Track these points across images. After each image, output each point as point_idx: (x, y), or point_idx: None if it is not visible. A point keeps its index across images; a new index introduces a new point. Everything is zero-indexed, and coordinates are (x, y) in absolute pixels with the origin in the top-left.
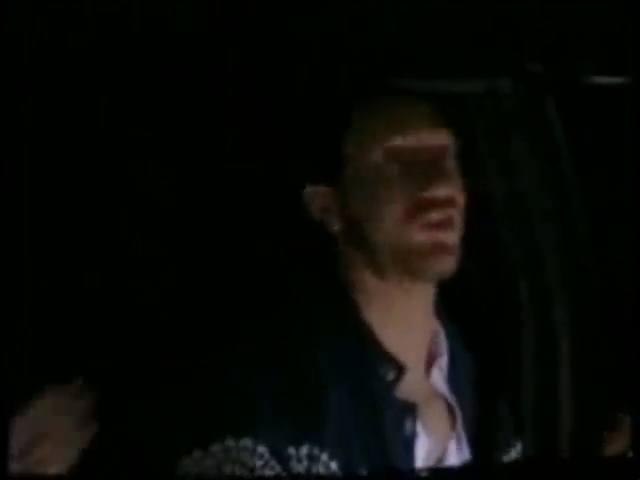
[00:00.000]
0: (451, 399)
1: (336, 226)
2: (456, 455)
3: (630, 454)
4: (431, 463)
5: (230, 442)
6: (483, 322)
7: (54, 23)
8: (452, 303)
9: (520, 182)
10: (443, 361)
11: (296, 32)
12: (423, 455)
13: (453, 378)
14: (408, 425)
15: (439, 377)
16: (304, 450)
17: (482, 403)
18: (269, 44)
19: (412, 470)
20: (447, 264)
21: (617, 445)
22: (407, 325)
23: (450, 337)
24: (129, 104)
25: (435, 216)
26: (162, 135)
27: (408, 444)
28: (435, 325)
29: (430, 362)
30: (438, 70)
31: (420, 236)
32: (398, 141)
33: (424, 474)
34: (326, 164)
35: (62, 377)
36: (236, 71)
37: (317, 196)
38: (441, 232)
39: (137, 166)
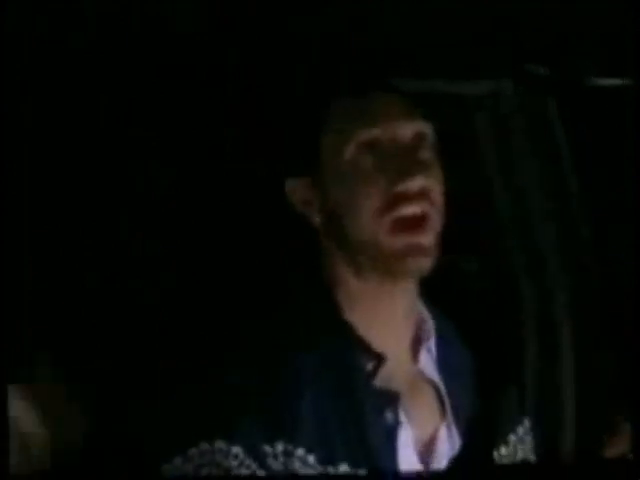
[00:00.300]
0: (441, 384)
1: (317, 218)
2: (447, 442)
3: (630, 457)
4: (418, 451)
5: (205, 445)
6: (485, 322)
7: (54, 23)
8: (454, 303)
9: (521, 182)
10: (431, 343)
11: (296, 32)
12: (408, 443)
13: (443, 361)
14: (389, 414)
15: (428, 360)
16: (280, 447)
17: (481, 390)
18: (269, 44)
19: (395, 463)
20: (423, 264)
21: (617, 449)
22: (389, 320)
23: (437, 319)
24: (129, 104)
25: (409, 210)
26: (162, 135)
27: (390, 433)
28: (420, 311)
29: (417, 347)
30: (439, 71)
31: (393, 239)
32: (370, 133)
33: (413, 476)
34: (304, 156)
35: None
36: (236, 71)
37: (298, 188)
38: (415, 233)
39: (137, 166)
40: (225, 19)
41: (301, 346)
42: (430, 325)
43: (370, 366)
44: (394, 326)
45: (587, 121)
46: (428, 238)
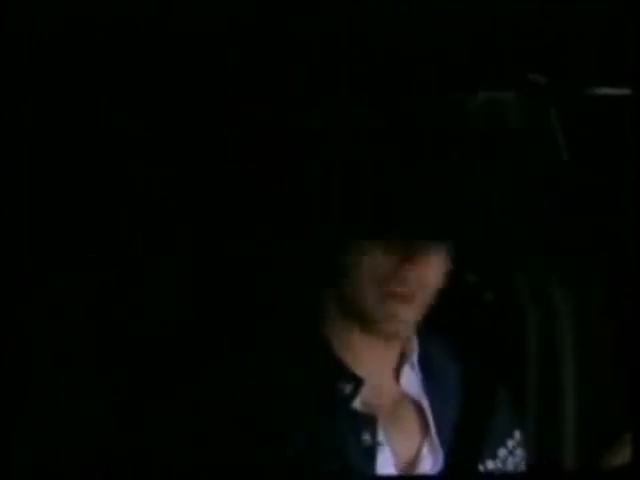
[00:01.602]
0: (424, 401)
1: None
2: (430, 459)
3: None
4: (400, 470)
5: None
6: (484, 332)
7: (54, 23)
8: (453, 314)
9: (522, 192)
10: (414, 359)
11: (296, 32)
12: (389, 464)
13: (429, 377)
14: (367, 437)
15: (411, 378)
16: None
17: (469, 403)
18: (269, 44)
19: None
20: (400, 330)
21: (618, 460)
22: (370, 346)
23: (421, 334)
24: (129, 104)
25: (399, 290)
26: (162, 135)
27: (368, 455)
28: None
29: (399, 366)
30: (442, 82)
31: (379, 305)
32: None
33: None
34: None
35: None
36: (236, 71)
37: None
38: (398, 304)
39: (137, 166)
40: (225, 19)
41: (279, 366)
42: (413, 342)
43: (348, 389)
44: (375, 350)
45: (588, 130)
46: (409, 313)
